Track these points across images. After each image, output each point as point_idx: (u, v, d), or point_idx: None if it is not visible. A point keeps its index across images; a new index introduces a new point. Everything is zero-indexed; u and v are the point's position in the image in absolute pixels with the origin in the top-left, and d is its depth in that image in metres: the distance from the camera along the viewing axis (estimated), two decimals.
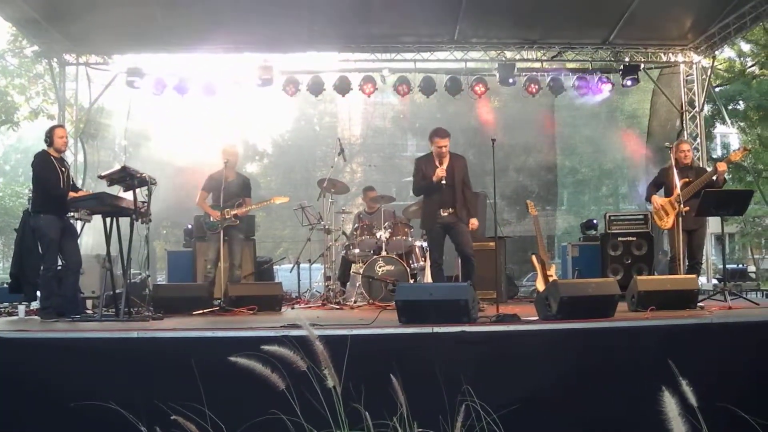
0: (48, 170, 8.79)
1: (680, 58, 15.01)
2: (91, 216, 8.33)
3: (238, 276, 10.77)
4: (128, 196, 8.26)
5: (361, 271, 10.96)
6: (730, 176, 22.44)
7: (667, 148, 9.87)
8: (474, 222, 9.48)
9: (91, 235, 11.59)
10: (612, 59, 14.98)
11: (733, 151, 11.27)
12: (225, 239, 10.57)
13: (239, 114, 18.33)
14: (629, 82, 14.69)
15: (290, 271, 12.58)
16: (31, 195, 9.25)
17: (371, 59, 14.73)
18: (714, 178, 9.49)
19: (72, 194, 8.79)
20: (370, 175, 18.64)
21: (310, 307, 10.85)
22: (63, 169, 8.93)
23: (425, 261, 11.24)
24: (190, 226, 13.09)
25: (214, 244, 10.71)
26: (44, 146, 9.01)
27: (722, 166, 9.52)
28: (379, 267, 10.87)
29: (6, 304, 10.39)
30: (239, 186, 10.95)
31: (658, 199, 9.99)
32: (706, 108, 17.38)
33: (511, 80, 14.39)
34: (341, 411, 3.61)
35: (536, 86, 14.66)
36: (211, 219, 10.61)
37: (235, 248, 10.81)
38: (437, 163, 9.37)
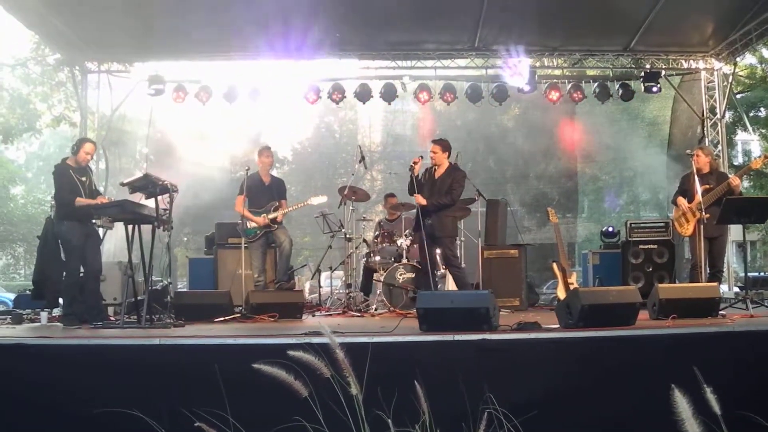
0: (62, 182, 8.86)
1: (701, 64, 14.94)
2: (113, 223, 8.36)
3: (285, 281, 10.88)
4: (150, 203, 8.30)
5: (381, 278, 10.96)
6: (751, 183, 22.31)
7: (689, 155, 9.82)
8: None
9: (113, 243, 11.68)
10: (633, 66, 14.95)
11: (754, 159, 11.19)
12: (262, 246, 10.73)
13: (260, 121, 18.37)
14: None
15: (311, 279, 12.57)
16: (53, 203, 9.32)
17: (392, 66, 14.76)
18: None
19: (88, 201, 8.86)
20: (390, 182, 18.62)
21: (330, 314, 10.83)
22: (83, 178, 8.95)
23: (446, 269, 11.23)
24: (211, 234, 13.12)
25: (255, 251, 10.79)
26: (66, 154, 9.10)
27: (735, 181, 9.49)
28: (400, 274, 10.86)
29: (29, 310, 10.42)
30: (275, 189, 11.05)
31: (684, 201, 9.90)
32: (728, 115, 17.29)
33: (528, 87, 14.37)
34: (363, 418, 3.61)
35: (557, 93, 14.63)
36: (249, 226, 10.71)
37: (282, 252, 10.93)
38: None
